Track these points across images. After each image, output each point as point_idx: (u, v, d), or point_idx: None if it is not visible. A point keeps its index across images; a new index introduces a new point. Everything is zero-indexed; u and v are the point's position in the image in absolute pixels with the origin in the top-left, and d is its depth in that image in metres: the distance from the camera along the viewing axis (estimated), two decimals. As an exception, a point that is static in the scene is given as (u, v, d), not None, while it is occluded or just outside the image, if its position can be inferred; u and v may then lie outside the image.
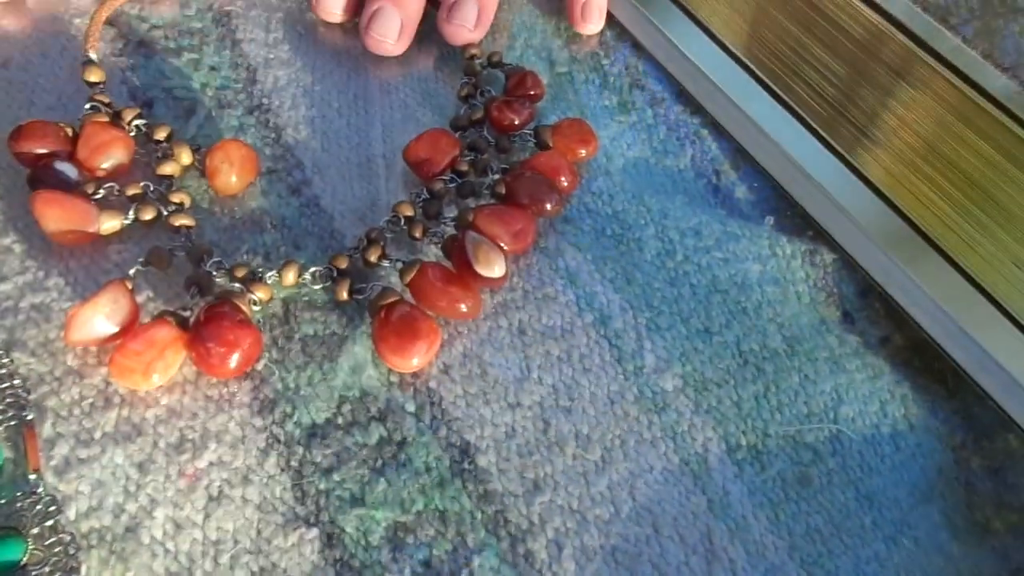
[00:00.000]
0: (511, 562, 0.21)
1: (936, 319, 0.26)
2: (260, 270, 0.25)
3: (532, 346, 0.25)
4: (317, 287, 0.25)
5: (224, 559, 0.21)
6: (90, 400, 0.22)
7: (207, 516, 0.21)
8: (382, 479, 0.22)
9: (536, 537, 0.22)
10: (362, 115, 0.30)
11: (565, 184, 0.27)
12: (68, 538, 0.20)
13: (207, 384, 0.23)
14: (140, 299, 0.24)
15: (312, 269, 0.25)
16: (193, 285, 0.24)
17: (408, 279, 0.24)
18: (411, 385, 0.24)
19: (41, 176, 0.25)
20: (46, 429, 0.22)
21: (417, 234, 0.26)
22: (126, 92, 0.30)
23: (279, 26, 0.33)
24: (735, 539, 0.22)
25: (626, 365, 0.25)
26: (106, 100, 0.28)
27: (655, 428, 0.24)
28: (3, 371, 0.22)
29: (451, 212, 0.27)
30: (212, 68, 0.31)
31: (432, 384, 0.24)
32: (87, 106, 0.27)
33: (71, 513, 0.21)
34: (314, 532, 0.21)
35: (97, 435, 0.22)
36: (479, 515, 0.22)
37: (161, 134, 0.27)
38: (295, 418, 0.23)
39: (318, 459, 0.22)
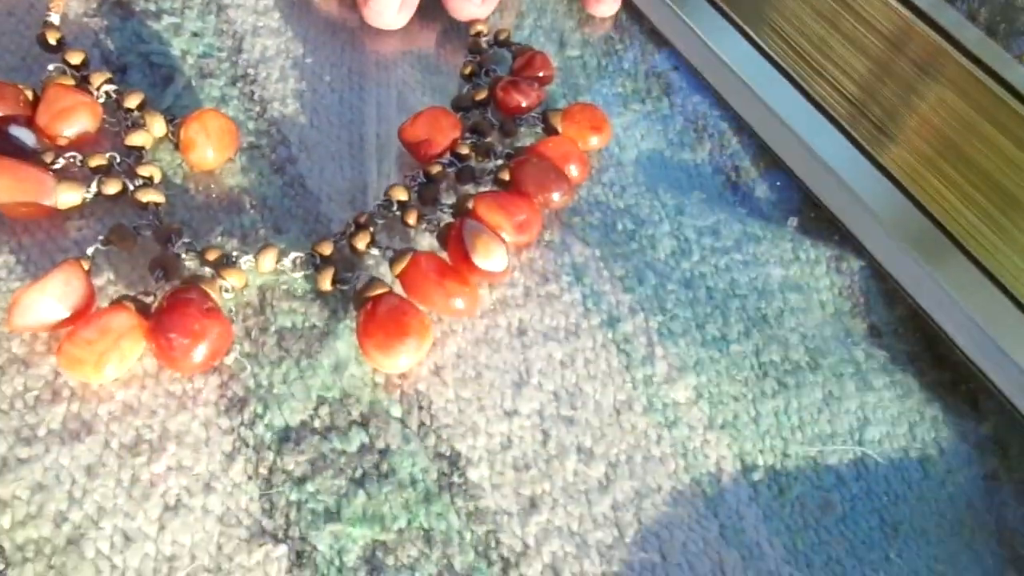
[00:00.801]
0: (502, 590, 0.19)
1: (971, 335, 0.24)
2: (235, 254, 0.22)
3: (533, 348, 0.23)
4: (297, 275, 0.23)
5: (179, 577, 0.18)
6: (35, 392, 0.20)
7: (162, 527, 0.19)
8: (361, 491, 0.20)
9: (531, 562, 0.20)
10: (356, 91, 0.28)
11: (574, 173, 0.25)
12: None
13: (169, 379, 0.21)
14: (99, 282, 0.22)
15: (293, 255, 0.23)
16: (158, 267, 0.21)
17: (399, 270, 0.22)
18: (398, 387, 0.22)
19: (-7, 141, 0.23)
20: (-17, 423, 0.20)
21: (411, 220, 0.24)
22: (99, 56, 0.28)
23: (269, -8, 0.30)
24: (748, 569, 0.21)
25: (635, 373, 0.23)
26: (76, 62, 0.25)
27: (664, 443, 0.22)
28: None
29: (449, 199, 0.25)
30: (194, 34, 0.29)
31: (421, 386, 0.22)
32: (50, 67, 0.25)
33: (5, 521, 0.18)
34: (282, 549, 0.19)
35: (41, 432, 0.20)
36: (468, 535, 0.20)
37: (132, 101, 0.25)
38: (266, 419, 0.21)
39: (290, 467, 0.20)
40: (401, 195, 0.24)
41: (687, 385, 0.23)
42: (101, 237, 0.22)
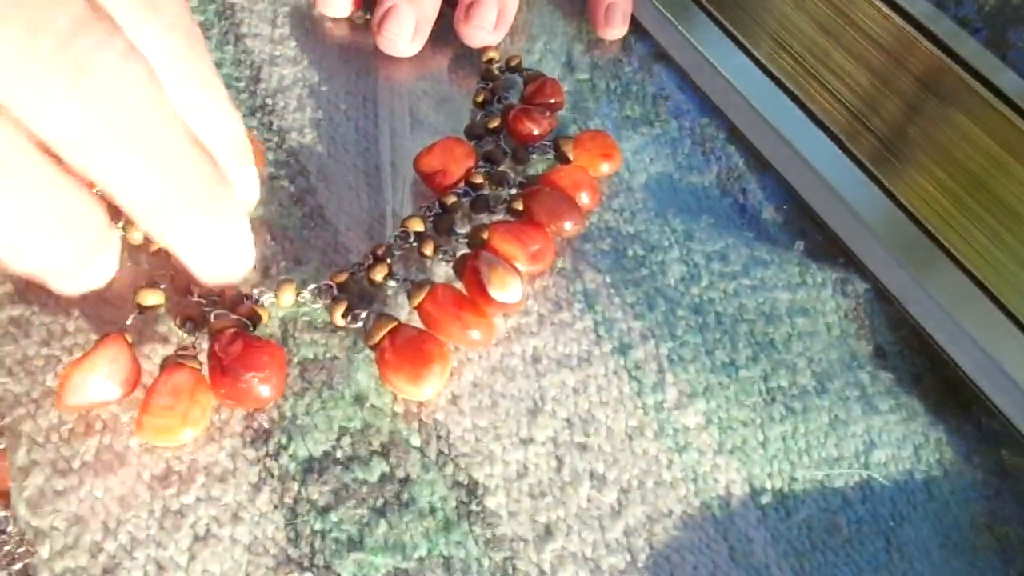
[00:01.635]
0: (520, 615, 0.20)
1: (974, 358, 0.25)
2: (256, 291, 0.23)
3: (547, 375, 0.23)
4: (317, 306, 0.24)
5: (210, 605, 0.19)
6: (69, 426, 0.21)
7: (192, 557, 0.20)
8: (383, 520, 0.21)
9: (547, 588, 0.20)
10: (371, 119, 0.28)
11: (586, 201, 0.26)
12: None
13: (197, 411, 0.22)
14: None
15: (311, 286, 0.23)
16: (188, 320, 0.22)
17: (417, 302, 0.23)
18: (416, 416, 0.22)
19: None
20: (20, 456, 0.20)
21: (427, 251, 0.24)
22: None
23: (286, 21, 0.31)
24: (757, 591, 0.21)
25: (646, 399, 0.23)
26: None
27: (675, 468, 0.22)
28: (-24, 390, 0.20)
29: (463, 227, 0.26)
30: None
31: (439, 416, 0.22)
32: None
33: (44, 551, 0.19)
34: (308, 577, 0.20)
35: (76, 464, 0.20)
36: (486, 562, 0.20)
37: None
38: (291, 450, 0.21)
39: (314, 496, 0.21)
40: (418, 226, 0.25)
41: (697, 411, 0.23)
42: (136, 305, 0.22)
